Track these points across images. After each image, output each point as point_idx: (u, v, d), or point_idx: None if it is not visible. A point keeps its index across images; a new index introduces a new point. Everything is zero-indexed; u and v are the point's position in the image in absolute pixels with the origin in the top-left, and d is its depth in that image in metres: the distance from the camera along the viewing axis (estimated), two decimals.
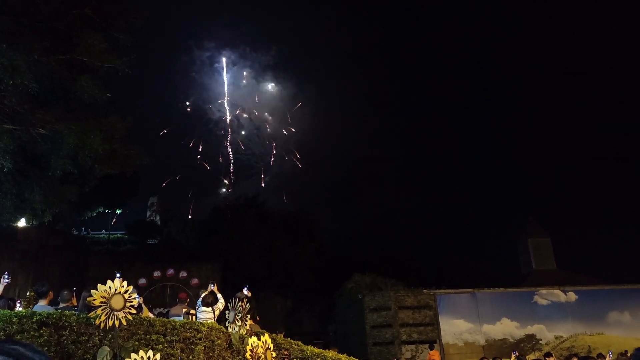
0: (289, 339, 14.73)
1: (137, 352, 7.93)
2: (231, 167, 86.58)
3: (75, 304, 11.66)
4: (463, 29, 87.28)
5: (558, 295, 27.73)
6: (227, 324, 12.31)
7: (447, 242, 62.92)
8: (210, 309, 13.05)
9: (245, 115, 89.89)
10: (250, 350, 9.57)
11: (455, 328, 26.63)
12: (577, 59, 78.04)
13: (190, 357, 10.08)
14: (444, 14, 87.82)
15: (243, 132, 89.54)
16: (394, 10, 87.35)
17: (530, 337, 26.87)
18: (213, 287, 14.12)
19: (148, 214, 52.01)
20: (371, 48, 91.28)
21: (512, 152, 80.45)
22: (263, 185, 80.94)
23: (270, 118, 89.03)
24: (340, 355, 15.31)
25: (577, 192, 73.10)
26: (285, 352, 13.31)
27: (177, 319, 12.28)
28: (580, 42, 78.37)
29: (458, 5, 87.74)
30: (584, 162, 76.05)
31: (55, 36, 21.16)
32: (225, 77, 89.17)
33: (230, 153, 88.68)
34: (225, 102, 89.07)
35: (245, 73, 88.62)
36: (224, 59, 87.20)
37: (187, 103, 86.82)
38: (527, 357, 23.71)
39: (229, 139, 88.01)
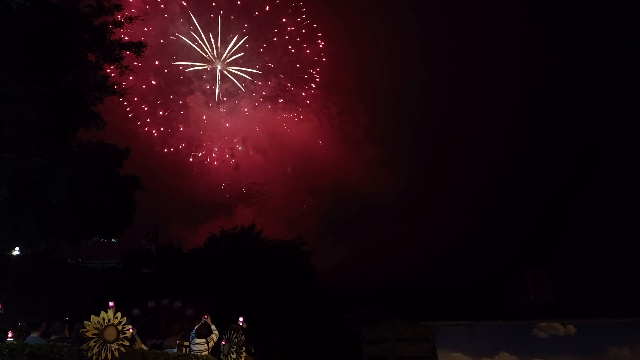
0: None
1: None
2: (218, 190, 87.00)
3: (68, 336, 11.50)
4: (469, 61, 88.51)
5: (557, 328, 27.41)
6: (221, 357, 12.14)
7: (444, 272, 62.47)
8: (204, 340, 12.91)
9: (244, 145, 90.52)
10: None
11: None
12: (583, 80, 78.85)
13: None
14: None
15: (243, 160, 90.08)
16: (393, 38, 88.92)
17: None
18: (207, 319, 13.99)
19: (143, 242, 51.65)
20: (371, 77, 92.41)
21: (510, 180, 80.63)
22: (261, 214, 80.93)
23: (270, 146, 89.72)
24: None
25: (576, 223, 73.00)
26: None
27: (170, 350, 12.11)
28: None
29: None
30: (582, 192, 76.19)
31: (56, 66, 21.49)
32: (222, 106, 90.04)
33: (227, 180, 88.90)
34: (225, 129, 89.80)
35: (241, 101, 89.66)
36: (217, 90, 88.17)
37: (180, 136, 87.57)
38: None
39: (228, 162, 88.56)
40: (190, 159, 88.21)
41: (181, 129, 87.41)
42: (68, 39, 22.10)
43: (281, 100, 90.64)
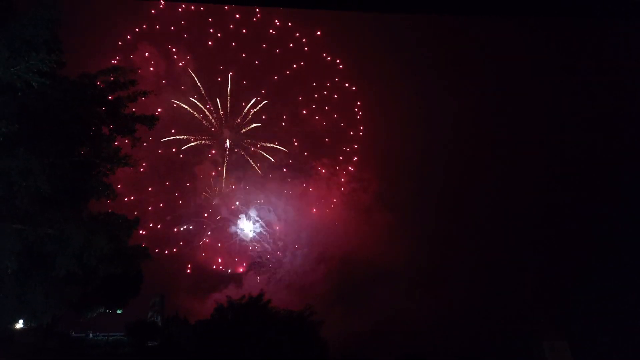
0: None
1: None
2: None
3: None
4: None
5: None
6: None
7: (460, 345, 60.17)
8: None
9: (255, 213, 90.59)
10: None
11: None
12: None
13: None
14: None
15: (253, 228, 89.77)
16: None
17: None
18: None
19: (149, 314, 50.60)
20: (381, 144, 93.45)
21: (525, 251, 79.24)
22: (271, 282, 79.61)
23: (281, 214, 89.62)
24: None
25: (594, 289, 70.72)
26: None
27: None
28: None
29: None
30: (599, 257, 74.39)
31: (71, 139, 22.10)
32: (231, 176, 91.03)
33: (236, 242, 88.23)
34: (235, 199, 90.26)
35: (251, 169, 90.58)
36: (226, 162, 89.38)
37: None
38: None
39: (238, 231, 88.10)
40: (199, 228, 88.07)
41: (190, 199, 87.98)
42: (84, 113, 22.84)
43: (290, 169, 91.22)
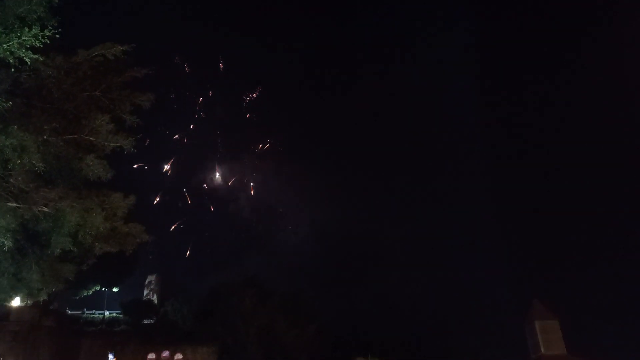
0: None
1: None
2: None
3: None
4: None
5: None
6: None
7: (453, 324, 60.92)
8: None
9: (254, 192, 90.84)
10: None
11: None
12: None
13: None
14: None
15: (253, 209, 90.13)
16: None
17: None
18: None
19: (145, 292, 50.91)
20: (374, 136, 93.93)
21: (517, 231, 79.87)
22: (270, 262, 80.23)
23: (277, 196, 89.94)
24: None
25: (586, 272, 71.49)
26: None
27: None
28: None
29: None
30: (591, 241, 75.12)
31: (65, 117, 21.83)
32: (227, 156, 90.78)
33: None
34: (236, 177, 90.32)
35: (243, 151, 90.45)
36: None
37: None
38: None
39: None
40: (196, 207, 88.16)
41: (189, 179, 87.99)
42: (78, 90, 22.52)
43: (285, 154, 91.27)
